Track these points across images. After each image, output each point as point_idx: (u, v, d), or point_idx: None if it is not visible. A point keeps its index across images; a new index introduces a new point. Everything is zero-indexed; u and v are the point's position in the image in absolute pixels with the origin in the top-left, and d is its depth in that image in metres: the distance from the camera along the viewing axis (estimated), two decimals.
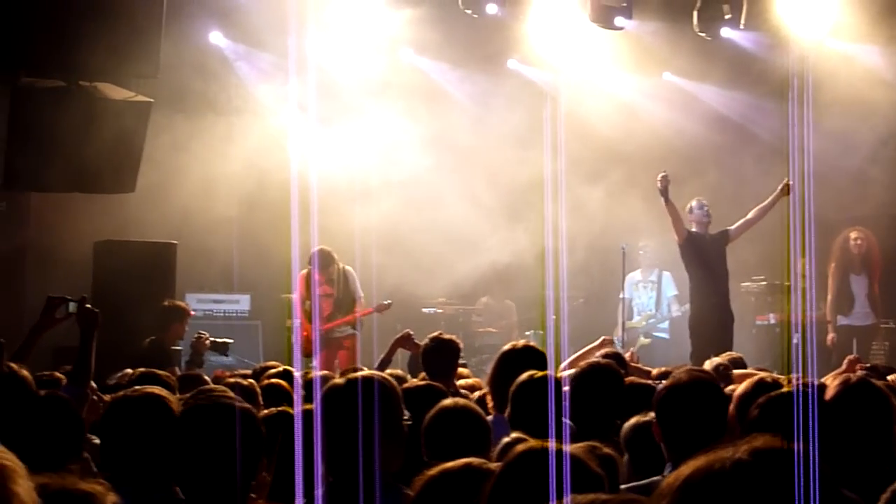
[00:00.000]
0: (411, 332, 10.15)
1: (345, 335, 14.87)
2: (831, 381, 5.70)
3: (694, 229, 13.85)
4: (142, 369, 7.93)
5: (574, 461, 3.47)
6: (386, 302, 15.22)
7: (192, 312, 13.45)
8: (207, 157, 16.09)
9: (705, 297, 13.73)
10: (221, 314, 16.36)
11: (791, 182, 13.80)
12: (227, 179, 16.47)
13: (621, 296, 16.79)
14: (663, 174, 13.42)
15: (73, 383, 6.59)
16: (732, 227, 14.02)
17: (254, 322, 16.55)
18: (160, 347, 12.09)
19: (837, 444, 4.41)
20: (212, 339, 12.11)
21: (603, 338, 10.23)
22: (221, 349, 11.62)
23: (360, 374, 4.82)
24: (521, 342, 7.38)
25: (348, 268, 15.01)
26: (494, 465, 3.83)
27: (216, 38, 16.47)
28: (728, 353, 10.36)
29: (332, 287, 14.86)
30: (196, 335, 12.51)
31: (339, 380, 4.84)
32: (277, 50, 16.74)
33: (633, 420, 5.61)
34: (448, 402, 5.48)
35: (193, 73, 15.88)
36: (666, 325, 16.75)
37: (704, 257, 13.70)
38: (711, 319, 13.58)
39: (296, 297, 14.81)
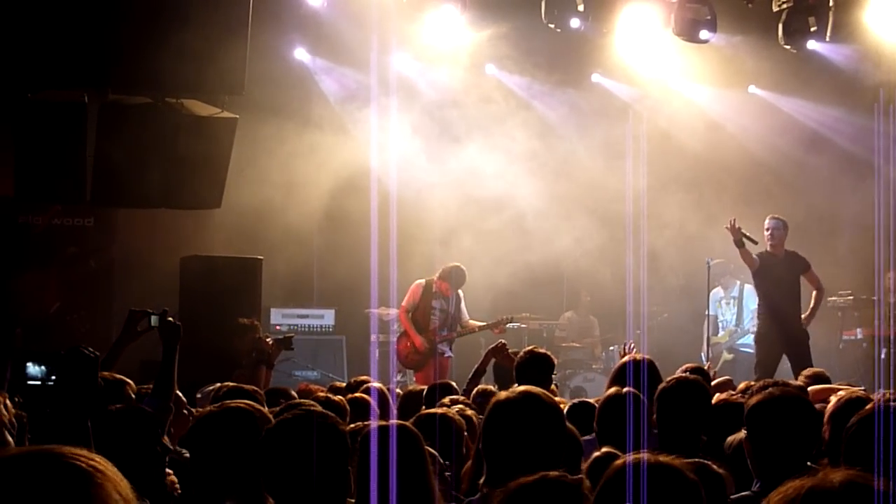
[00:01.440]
0: (505, 342, 10.15)
1: (445, 355, 14.89)
2: None
3: (767, 248, 13.83)
4: (230, 384, 7.99)
5: (670, 472, 3.46)
6: (506, 316, 15.26)
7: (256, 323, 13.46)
8: (291, 172, 16.23)
9: (771, 314, 13.70)
10: (306, 329, 16.44)
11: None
12: (310, 195, 16.60)
13: (707, 312, 16.68)
14: (731, 224, 13.36)
15: (155, 396, 6.65)
16: (812, 275, 14.00)
17: (338, 337, 16.62)
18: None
19: None
20: (273, 337, 12.12)
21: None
22: (286, 344, 11.61)
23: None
24: (639, 355, 7.43)
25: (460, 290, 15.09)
26: (572, 479, 3.82)
27: (300, 54, 16.62)
28: (810, 369, 10.24)
29: (447, 304, 14.90)
30: (255, 337, 12.49)
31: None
32: (361, 66, 16.86)
33: (738, 435, 5.56)
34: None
35: (278, 88, 16.02)
36: (749, 339, 16.59)
37: (772, 277, 13.69)
38: (777, 335, 13.50)
39: (405, 305, 14.87)
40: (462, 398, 8.43)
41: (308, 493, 4.31)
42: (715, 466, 4.58)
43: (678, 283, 17.64)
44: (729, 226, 13.40)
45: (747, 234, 13.54)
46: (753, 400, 4.91)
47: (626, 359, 7.49)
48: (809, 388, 7.94)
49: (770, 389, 5.07)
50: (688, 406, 6.17)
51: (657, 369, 7.35)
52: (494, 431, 4.73)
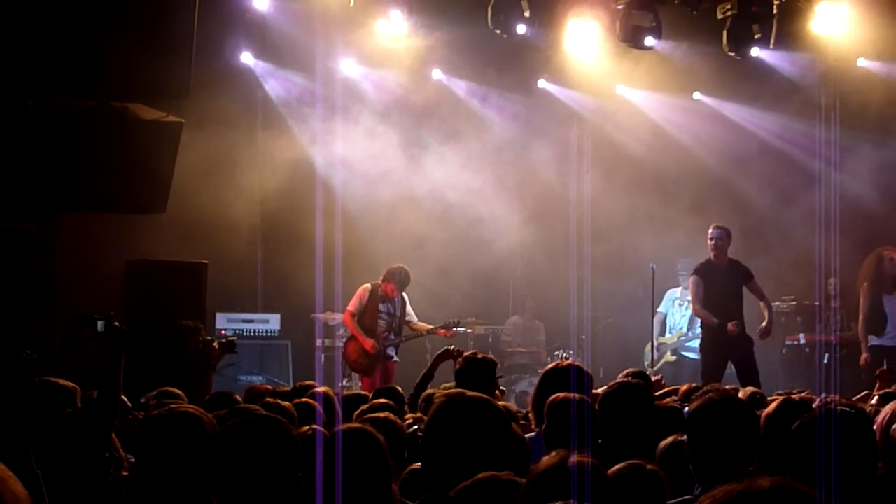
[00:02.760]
0: (453, 347, 10.13)
1: (392, 359, 14.85)
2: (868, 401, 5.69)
3: (711, 258, 13.90)
4: (166, 388, 7.96)
5: (599, 474, 3.49)
6: (454, 320, 15.25)
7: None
8: (236, 176, 16.22)
9: (716, 322, 13.75)
10: (251, 333, 16.38)
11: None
12: (255, 199, 16.59)
13: (659, 309, 16.80)
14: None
15: (100, 401, 6.59)
16: (754, 284, 14.06)
17: (283, 342, 16.57)
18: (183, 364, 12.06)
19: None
20: (218, 340, 12.07)
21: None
22: (229, 348, 11.56)
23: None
24: (567, 360, 7.47)
25: (404, 293, 15.05)
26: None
27: (246, 58, 16.54)
28: (747, 389, 10.29)
29: (393, 308, 14.88)
30: (202, 340, 12.42)
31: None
32: (307, 70, 16.83)
33: (668, 440, 5.59)
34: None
35: (224, 92, 15.94)
36: (696, 343, 16.69)
37: (715, 284, 13.74)
38: (722, 342, 13.54)
39: (351, 309, 14.80)
40: None
41: (257, 498, 4.30)
42: (650, 466, 4.61)
43: (623, 288, 17.70)
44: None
45: None
46: (693, 405, 4.94)
47: (550, 365, 7.49)
48: (741, 391, 7.99)
49: (710, 394, 5.11)
50: (631, 410, 6.21)
51: (586, 375, 7.37)
52: (435, 434, 4.73)
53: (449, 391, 5.36)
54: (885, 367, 13.70)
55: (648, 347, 16.70)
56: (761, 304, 14.17)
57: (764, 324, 14.03)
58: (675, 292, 17.00)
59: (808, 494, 2.41)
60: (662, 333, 16.97)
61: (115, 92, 13.16)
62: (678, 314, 17.02)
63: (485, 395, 4.91)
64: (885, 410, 5.07)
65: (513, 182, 17.62)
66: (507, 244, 17.72)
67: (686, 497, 4.81)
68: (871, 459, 4.27)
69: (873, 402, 8.08)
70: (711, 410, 4.85)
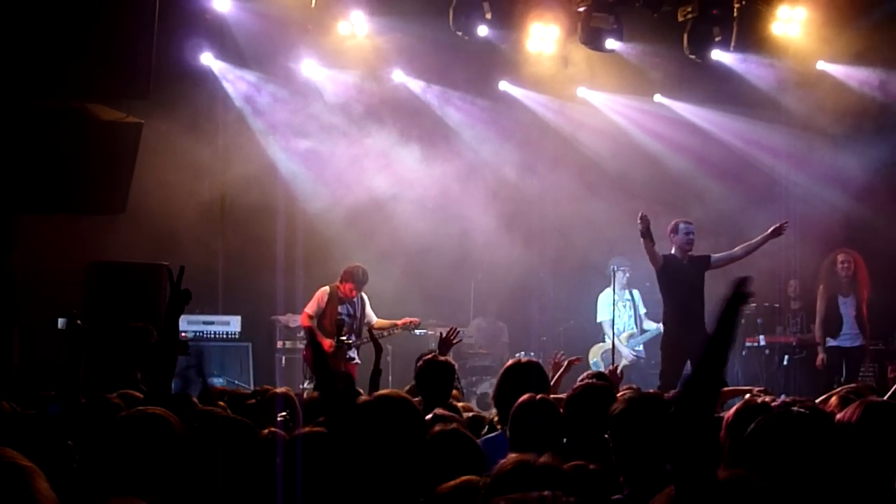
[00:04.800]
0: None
1: (353, 361, 14.79)
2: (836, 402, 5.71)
3: (672, 252, 13.65)
4: (126, 391, 7.89)
5: (560, 475, 3.50)
6: (416, 320, 15.23)
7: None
8: (196, 177, 16.16)
9: (678, 319, 13.57)
10: (212, 335, 16.30)
11: (787, 223, 13.70)
12: (215, 200, 16.55)
13: (600, 319, 16.78)
14: (642, 214, 13.10)
15: (59, 401, 6.52)
16: (716, 255, 13.80)
17: (244, 343, 16.50)
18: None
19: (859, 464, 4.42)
20: None
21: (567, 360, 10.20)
22: (182, 350, 11.46)
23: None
24: (525, 358, 7.47)
25: (363, 293, 14.98)
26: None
27: (207, 58, 16.47)
28: None
29: (353, 309, 14.82)
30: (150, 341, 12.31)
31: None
32: (268, 71, 16.81)
33: None
34: (438, 427, 5.48)
35: (184, 93, 15.89)
36: (641, 346, 16.75)
37: (679, 281, 13.50)
38: (683, 341, 13.39)
39: (309, 312, 14.72)
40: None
41: (222, 499, 4.29)
42: (591, 466, 4.61)
43: (585, 290, 17.73)
44: (640, 218, 13.09)
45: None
46: (614, 408, 4.95)
47: (510, 362, 7.51)
48: (722, 389, 7.98)
49: (629, 395, 5.11)
50: (595, 411, 6.21)
51: (543, 372, 7.40)
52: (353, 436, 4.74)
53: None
54: (842, 368, 13.88)
55: (595, 356, 16.69)
56: (741, 248, 13.92)
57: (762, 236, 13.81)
58: (610, 294, 16.79)
59: (762, 486, 2.42)
60: (601, 340, 16.88)
61: (74, 92, 13.08)
62: (624, 314, 16.95)
63: (404, 395, 4.90)
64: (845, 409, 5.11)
65: (474, 184, 17.61)
66: (469, 246, 17.73)
67: (616, 496, 4.82)
68: (829, 460, 4.28)
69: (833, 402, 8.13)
70: (630, 412, 4.86)
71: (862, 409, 4.93)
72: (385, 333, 14.91)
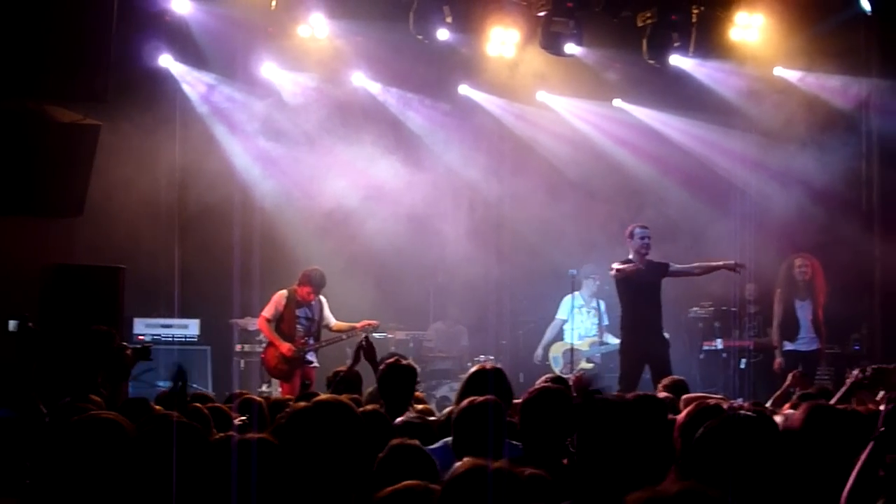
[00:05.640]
0: (367, 336, 10.07)
1: (312, 364, 14.73)
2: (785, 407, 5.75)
3: (630, 257, 13.69)
4: (83, 394, 7.86)
5: (510, 478, 3.51)
6: (375, 322, 15.18)
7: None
8: (154, 179, 16.11)
9: (636, 323, 13.62)
10: (170, 339, 16.23)
11: (744, 266, 13.82)
12: (173, 202, 16.49)
13: (558, 316, 16.79)
14: (642, 268, 13.36)
15: (9, 405, 6.47)
16: (675, 266, 13.85)
17: (203, 347, 16.44)
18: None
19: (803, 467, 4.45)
20: (132, 346, 11.90)
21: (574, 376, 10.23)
22: (143, 355, 11.39)
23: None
24: (489, 364, 7.47)
25: (322, 296, 14.91)
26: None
27: (166, 60, 16.39)
28: (670, 377, 10.30)
29: (311, 312, 14.76)
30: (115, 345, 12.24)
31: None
32: (228, 73, 16.76)
33: None
34: (396, 441, 5.48)
35: (143, 95, 15.82)
36: (598, 354, 16.79)
37: (638, 285, 13.55)
38: (641, 345, 13.46)
39: (266, 315, 14.64)
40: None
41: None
42: (529, 470, 4.63)
43: (544, 293, 17.76)
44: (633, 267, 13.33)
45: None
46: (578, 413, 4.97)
47: (474, 368, 7.53)
48: (683, 397, 8.02)
49: (601, 397, 5.12)
50: (552, 415, 6.22)
51: (506, 378, 7.40)
52: (291, 442, 4.76)
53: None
54: (798, 370, 13.91)
55: (557, 352, 16.71)
56: (698, 267, 14.05)
57: (722, 262, 13.89)
58: (576, 298, 16.82)
59: (715, 498, 2.43)
60: (560, 339, 16.88)
61: (32, 94, 13.00)
62: (587, 321, 16.98)
63: (344, 400, 4.92)
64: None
65: (434, 187, 17.60)
66: (428, 249, 17.73)
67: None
68: (777, 463, 4.31)
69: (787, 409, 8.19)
70: (601, 413, 4.87)
71: (806, 413, 4.98)
72: (344, 336, 14.89)
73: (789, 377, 9.82)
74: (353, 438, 4.77)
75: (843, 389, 6.90)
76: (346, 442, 4.73)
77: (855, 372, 6.86)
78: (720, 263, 13.77)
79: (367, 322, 14.87)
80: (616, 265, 13.55)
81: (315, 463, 4.64)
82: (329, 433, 4.70)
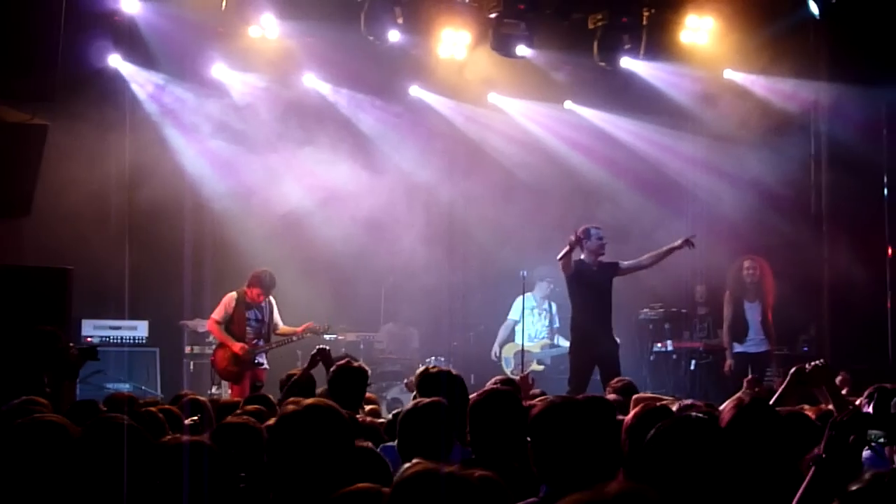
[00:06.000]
0: (328, 348, 10.04)
1: (262, 366, 14.67)
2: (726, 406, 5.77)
3: (582, 257, 13.68)
4: (30, 397, 7.78)
5: (457, 480, 3.49)
6: (325, 325, 15.13)
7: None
8: (103, 180, 16.00)
9: (586, 324, 13.62)
10: (119, 340, 16.13)
11: (694, 236, 13.79)
12: (122, 203, 16.39)
13: (510, 317, 16.79)
14: (582, 236, 13.15)
15: None
16: (625, 263, 13.84)
17: (152, 349, 16.35)
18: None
19: (737, 467, 4.45)
20: (78, 347, 11.80)
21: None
22: (90, 355, 11.29)
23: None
24: (435, 368, 7.45)
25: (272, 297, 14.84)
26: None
27: (115, 60, 16.26)
28: (618, 378, 10.33)
29: (261, 314, 14.69)
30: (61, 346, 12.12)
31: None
32: (177, 73, 16.67)
33: None
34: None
35: (91, 95, 15.72)
36: (548, 356, 16.81)
37: (589, 286, 13.53)
38: (592, 346, 13.46)
39: (216, 317, 14.55)
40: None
41: None
42: (479, 472, 4.62)
43: (495, 294, 17.78)
44: (574, 238, 13.11)
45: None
46: (535, 409, 4.96)
47: (420, 370, 7.52)
48: (634, 397, 8.04)
49: (551, 398, 5.13)
50: (501, 417, 6.21)
51: (458, 381, 7.38)
52: (279, 444, 4.75)
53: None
54: (749, 373, 13.99)
55: (508, 353, 16.72)
56: (649, 257, 13.90)
57: (670, 246, 13.85)
58: (529, 299, 16.83)
59: (655, 500, 2.43)
60: (512, 340, 16.88)
61: None
62: (538, 322, 17.00)
63: (331, 403, 4.91)
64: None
65: (385, 189, 17.58)
66: (380, 251, 17.71)
67: (531, 500, 4.84)
68: (725, 464, 4.32)
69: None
70: (552, 413, 4.87)
71: (734, 411, 5.00)
72: (287, 340, 14.84)
73: (745, 384, 9.83)
74: (342, 442, 4.77)
75: (783, 387, 6.93)
76: (336, 445, 4.73)
77: (793, 369, 6.90)
78: (670, 246, 13.74)
79: (306, 326, 14.81)
80: (561, 254, 13.38)
81: (303, 465, 4.63)
82: (320, 436, 4.70)
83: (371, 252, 17.61)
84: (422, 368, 7.58)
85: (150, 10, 15.53)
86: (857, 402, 8.62)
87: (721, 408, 5.60)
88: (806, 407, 7.00)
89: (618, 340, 13.78)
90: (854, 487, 2.96)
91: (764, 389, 10.48)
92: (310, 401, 4.99)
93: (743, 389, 9.75)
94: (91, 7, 15.01)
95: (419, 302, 18.09)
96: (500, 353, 16.87)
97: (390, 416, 8.58)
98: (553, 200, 17.92)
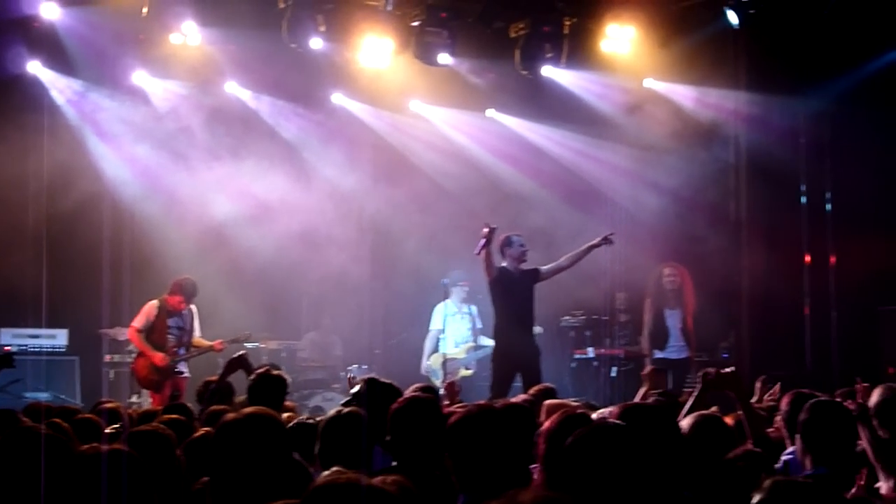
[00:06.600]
0: (246, 354, 10.00)
1: (182, 375, 14.58)
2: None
3: (504, 264, 13.73)
4: None
5: (368, 490, 3.51)
6: (245, 334, 15.06)
7: None
8: (21, 187, 15.84)
9: (509, 331, 13.67)
10: (37, 349, 15.96)
11: (613, 234, 13.88)
12: (41, 210, 16.22)
13: (432, 328, 16.75)
14: (495, 227, 13.15)
15: None
16: (544, 267, 13.92)
17: (71, 357, 16.19)
18: None
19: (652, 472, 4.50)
20: None
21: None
22: (6, 362, 11.17)
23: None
24: (355, 378, 7.47)
25: (193, 305, 14.76)
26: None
27: (34, 67, 16.11)
28: (539, 385, 10.39)
29: (182, 322, 14.60)
30: None
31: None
32: (98, 80, 16.54)
33: None
34: None
35: (9, 101, 15.56)
36: (475, 360, 16.82)
37: (512, 293, 13.59)
38: (514, 353, 13.52)
39: (137, 326, 14.44)
40: None
41: None
42: (392, 478, 4.65)
43: (417, 303, 17.78)
44: (488, 227, 13.09)
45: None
46: (452, 418, 4.99)
47: (348, 373, 7.57)
48: (545, 403, 8.08)
49: (469, 407, 5.16)
50: (421, 424, 6.23)
51: (390, 389, 7.38)
52: (220, 453, 4.73)
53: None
54: (668, 380, 14.09)
55: (436, 364, 16.70)
56: (567, 258, 13.97)
57: (588, 244, 13.93)
58: (448, 306, 16.81)
59: None
60: (437, 350, 16.85)
61: None
62: (461, 327, 16.99)
63: (271, 412, 4.91)
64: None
65: (308, 197, 17.53)
66: (302, 259, 17.66)
67: None
68: (644, 471, 4.37)
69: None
70: (469, 422, 4.91)
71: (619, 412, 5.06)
72: (196, 353, 14.77)
73: (644, 379, 9.87)
74: (281, 450, 4.78)
75: (695, 393, 7.03)
76: (274, 453, 4.73)
77: (702, 375, 7.01)
78: (589, 244, 13.84)
79: (220, 342, 14.75)
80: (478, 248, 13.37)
81: (242, 474, 4.63)
82: (259, 444, 4.70)
83: (294, 260, 17.55)
84: (361, 378, 7.58)
85: (70, 16, 15.38)
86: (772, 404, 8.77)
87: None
88: (715, 409, 7.08)
89: (539, 347, 13.84)
90: (756, 498, 3.01)
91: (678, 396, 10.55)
92: (250, 409, 5.00)
93: (646, 386, 9.80)
94: (9, 13, 14.86)
95: (342, 310, 18.07)
96: (430, 366, 16.83)
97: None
98: (476, 208, 17.92)
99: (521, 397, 9.30)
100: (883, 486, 5.71)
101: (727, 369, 7.02)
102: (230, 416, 4.91)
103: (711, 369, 7.02)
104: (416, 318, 17.67)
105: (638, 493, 4.23)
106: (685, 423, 6.00)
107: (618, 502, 4.19)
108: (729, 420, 6.67)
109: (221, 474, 4.70)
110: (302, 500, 3.57)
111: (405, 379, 15.39)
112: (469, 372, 16.76)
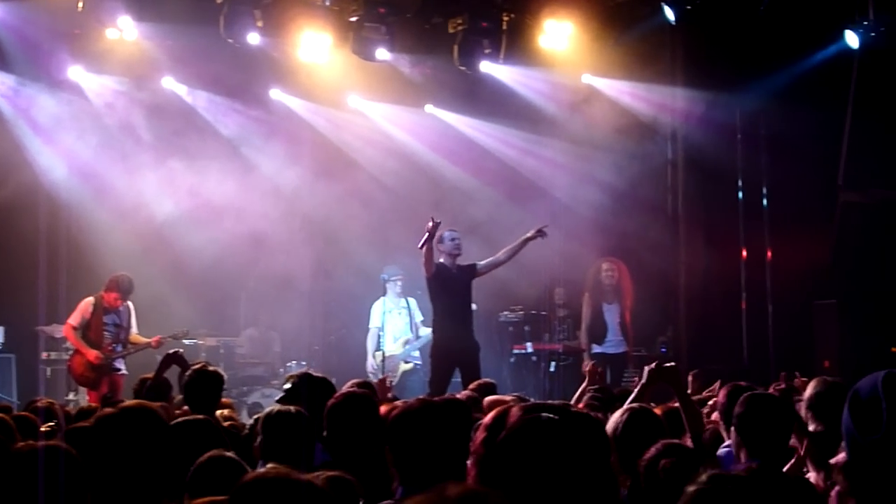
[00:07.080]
0: (181, 350, 9.95)
1: (119, 372, 14.49)
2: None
3: (441, 260, 13.74)
4: None
5: (298, 486, 3.51)
6: (181, 331, 14.97)
7: None
8: None
9: (447, 327, 13.69)
10: None
11: (547, 226, 13.88)
12: None
13: (372, 325, 16.68)
14: (439, 221, 13.12)
15: None
16: (482, 263, 13.94)
17: (7, 355, 16.05)
18: None
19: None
20: None
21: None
22: None
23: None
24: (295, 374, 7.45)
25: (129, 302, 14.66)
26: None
27: None
28: (479, 380, 10.43)
29: (119, 318, 14.50)
30: None
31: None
32: (35, 77, 16.41)
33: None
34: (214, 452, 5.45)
35: None
36: (418, 352, 16.79)
37: (450, 288, 13.61)
38: (452, 348, 13.54)
39: (73, 323, 14.32)
40: None
41: None
42: (327, 474, 4.65)
43: (356, 298, 17.74)
44: (432, 221, 13.05)
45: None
46: (393, 413, 5.01)
47: (290, 371, 7.56)
48: (484, 400, 8.11)
49: (409, 402, 5.17)
50: (357, 420, 6.23)
51: (326, 385, 7.37)
52: (101, 448, 4.74)
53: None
54: (606, 375, 14.16)
55: (370, 363, 16.65)
56: (504, 253, 13.91)
57: (524, 237, 13.91)
58: (385, 303, 16.70)
59: (497, 501, 2.46)
60: (379, 348, 16.77)
61: None
62: (400, 321, 16.93)
63: (150, 405, 4.91)
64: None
65: (247, 193, 17.48)
66: (240, 255, 17.59)
67: (387, 501, 4.88)
68: (582, 465, 4.38)
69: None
70: (408, 417, 4.92)
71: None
72: (145, 345, 14.69)
73: (586, 375, 9.98)
74: (159, 444, 4.75)
75: (639, 386, 7.08)
76: (153, 448, 4.70)
77: (646, 369, 7.05)
78: (524, 238, 13.85)
79: (158, 338, 14.69)
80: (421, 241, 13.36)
81: (121, 469, 4.61)
82: (136, 439, 4.67)
83: (233, 257, 17.47)
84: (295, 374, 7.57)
85: (4, 10, 15.25)
86: (712, 400, 8.85)
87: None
88: (653, 404, 7.13)
89: (478, 342, 13.86)
90: (692, 488, 3.02)
91: (622, 390, 10.61)
92: (128, 403, 4.98)
93: (586, 382, 9.87)
94: None
95: (282, 306, 18.00)
96: (375, 363, 16.71)
97: (251, 420, 8.55)
98: (416, 204, 17.92)
99: (464, 393, 9.33)
100: (812, 476, 5.76)
101: (668, 364, 7.06)
102: (107, 410, 4.90)
103: (653, 364, 7.05)
104: (357, 314, 17.61)
105: (570, 492, 4.24)
106: (616, 415, 6.02)
107: (548, 499, 4.20)
108: (658, 411, 6.71)
109: (100, 469, 4.68)
110: (230, 496, 3.56)
111: (345, 376, 15.41)
112: (409, 366, 16.72)
